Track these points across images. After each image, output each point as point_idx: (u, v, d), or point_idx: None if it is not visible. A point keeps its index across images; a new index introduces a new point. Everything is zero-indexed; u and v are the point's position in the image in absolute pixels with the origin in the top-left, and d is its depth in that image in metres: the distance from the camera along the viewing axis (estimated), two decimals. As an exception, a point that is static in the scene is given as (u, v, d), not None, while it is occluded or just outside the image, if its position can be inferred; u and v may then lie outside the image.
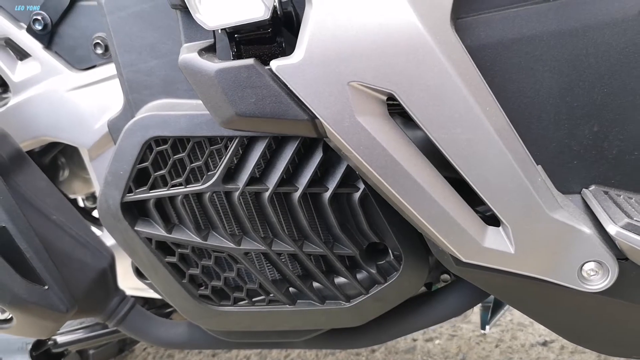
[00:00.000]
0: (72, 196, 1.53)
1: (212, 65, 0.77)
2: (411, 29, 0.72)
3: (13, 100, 1.17)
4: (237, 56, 0.79)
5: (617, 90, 0.80)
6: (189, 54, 0.77)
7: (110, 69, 1.11)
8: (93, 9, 1.10)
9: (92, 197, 1.58)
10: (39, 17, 1.10)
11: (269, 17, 0.73)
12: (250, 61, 0.76)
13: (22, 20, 1.13)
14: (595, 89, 0.80)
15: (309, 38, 0.73)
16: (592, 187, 0.85)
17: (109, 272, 1.16)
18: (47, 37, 1.11)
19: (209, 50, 0.80)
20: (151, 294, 1.34)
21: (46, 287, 1.01)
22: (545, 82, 0.81)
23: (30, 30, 1.11)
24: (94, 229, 1.30)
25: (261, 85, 0.76)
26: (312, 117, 0.77)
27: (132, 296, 1.26)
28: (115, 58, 0.95)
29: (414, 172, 0.79)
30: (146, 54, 0.94)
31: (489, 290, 0.93)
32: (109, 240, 1.26)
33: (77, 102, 1.14)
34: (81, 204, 1.63)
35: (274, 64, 0.75)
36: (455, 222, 0.81)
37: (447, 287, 1.13)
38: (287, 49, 0.80)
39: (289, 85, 0.75)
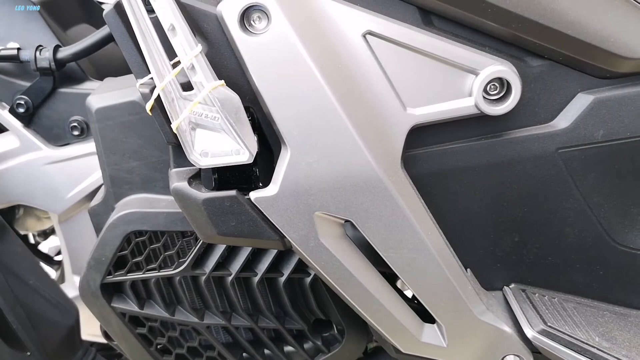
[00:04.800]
0: (23, 232, 1.57)
1: (199, 194, 0.85)
2: (368, 170, 0.82)
3: (-9, 170, 1.21)
4: (218, 183, 0.87)
5: (534, 210, 0.92)
6: (180, 183, 0.85)
7: (82, 147, 1.17)
8: (70, 96, 1.15)
9: (43, 234, 1.62)
10: (22, 102, 1.15)
11: (252, 160, 0.82)
12: (232, 192, 0.84)
13: (4, 101, 1.17)
14: (516, 208, 0.92)
15: (283, 176, 0.82)
16: (512, 285, 0.98)
17: (76, 327, 1.22)
18: (28, 117, 1.16)
19: (196, 177, 0.88)
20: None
21: (28, 353, 1.07)
22: (475, 202, 0.92)
23: (12, 111, 1.15)
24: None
25: (241, 212, 0.85)
26: (283, 237, 0.86)
27: (91, 343, 1.33)
28: (101, 157, 1.01)
29: (365, 282, 0.89)
30: (129, 156, 1.00)
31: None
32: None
33: (52, 174, 1.19)
34: (32, 240, 1.68)
35: (253, 195, 0.84)
36: (398, 322, 0.91)
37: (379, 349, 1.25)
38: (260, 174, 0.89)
39: (264, 213, 0.84)
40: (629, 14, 0.81)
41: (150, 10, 0.77)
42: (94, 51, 1.12)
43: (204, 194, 0.84)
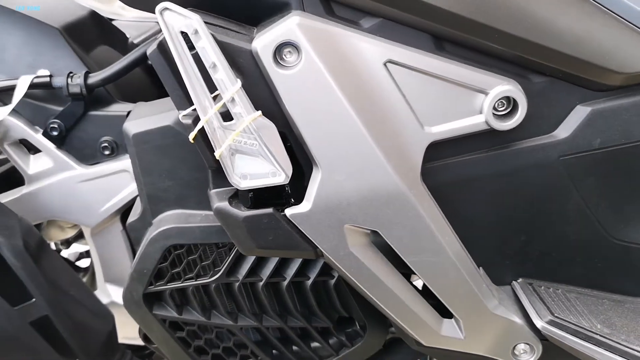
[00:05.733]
0: (47, 241, 1.64)
1: (240, 213, 0.92)
2: (392, 185, 0.89)
3: (27, 189, 1.27)
4: (254, 201, 0.95)
5: (538, 212, 1.00)
6: (221, 203, 0.93)
7: (113, 165, 1.23)
8: (100, 118, 1.21)
9: (65, 242, 1.69)
10: (55, 125, 1.21)
11: (287, 181, 0.89)
12: (269, 210, 0.92)
13: (37, 124, 1.23)
14: (523, 211, 1.00)
15: (315, 194, 0.90)
16: (520, 280, 1.06)
17: (113, 332, 1.29)
18: (61, 139, 1.22)
19: (234, 197, 0.95)
20: (140, 342, 1.48)
21: (77, 359, 1.15)
22: (486, 208, 1.00)
23: (45, 134, 1.22)
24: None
25: (277, 227, 0.92)
26: (315, 248, 0.94)
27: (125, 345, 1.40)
28: (138, 177, 1.08)
29: (389, 284, 0.97)
30: (164, 176, 1.07)
31: (443, 360, 1.14)
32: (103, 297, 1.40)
33: (85, 191, 1.25)
34: (53, 247, 1.74)
35: (288, 212, 0.91)
36: (420, 318, 0.99)
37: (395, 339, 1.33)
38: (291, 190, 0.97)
39: (299, 227, 0.92)
40: (620, 34, 0.89)
41: (190, 47, 0.84)
42: (121, 76, 1.18)
43: (244, 212, 0.91)
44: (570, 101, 0.95)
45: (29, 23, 1.25)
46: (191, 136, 0.88)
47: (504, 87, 0.88)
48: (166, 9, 0.82)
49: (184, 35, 0.83)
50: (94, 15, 1.42)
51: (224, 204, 0.91)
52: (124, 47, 1.50)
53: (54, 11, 1.33)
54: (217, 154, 0.87)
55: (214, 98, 0.86)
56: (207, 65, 0.83)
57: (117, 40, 1.48)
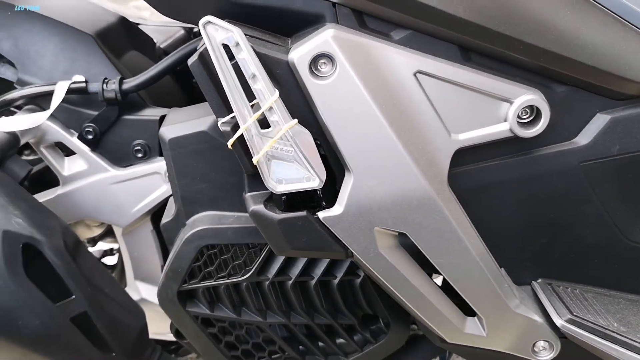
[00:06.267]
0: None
1: (275, 215, 0.96)
2: (420, 190, 0.93)
3: (62, 189, 1.31)
4: (287, 204, 0.99)
5: (559, 215, 1.03)
6: (257, 206, 0.96)
7: (145, 168, 1.26)
8: (133, 122, 1.25)
9: (92, 240, 1.73)
10: (90, 129, 1.25)
11: (321, 186, 0.93)
12: (303, 213, 0.96)
13: (72, 128, 1.27)
14: (544, 214, 1.03)
15: (347, 198, 0.94)
16: (540, 280, 1.10)
17: (145, 327, 1.34)
18: (95, 142, 1.27)
19: (268, 200, 0.99)
20: (168, 337, 1.52)
21: (114, 354, 1.19)
22: (509, 211, 1.03)
23: (80, 137, 1.26)
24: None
25: (311, 229, 0.96)
26: (346, 249, 0.98)
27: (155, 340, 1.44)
28: (173, 180, 1.12)
29: (416, 284, 1.00)
30: (198, 179, 1.11)
31: (466, 356, 1.18)
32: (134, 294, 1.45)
33: (117, 193, 1.29)
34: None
35: (321, 214, 0.95)
36: (445, 316, 1.03)
37: (417, 336, 1.38)
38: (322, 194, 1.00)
39: (331, 229, 0.96)
40: (639, 45, 0.93)
41: (230, 57, 0.88)
42: (154, 82, 1.22)
43: (279, 215, 0.95)
44: (591, 109, 0.98)
45: (65, 30, 1.29)
46: (230, 143, 0.91)
47: (528, 96, 0.92)
48: (209, 22, 0.85)
49: (225, 46, 0.86)
50: (123, 21, 1.46)
51: (260, 207, 0.95)
52: (152, 52, 1.54)
53: (86, 17, 1.37)
54: (254, 160, 0.90)
55: (252, 106, 0.89)
56: (247, 75, 0.87)
57: (145, 45, 1.52)
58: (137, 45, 1.46)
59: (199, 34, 1.50)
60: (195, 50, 0.97)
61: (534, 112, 0.93)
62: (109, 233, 1.69)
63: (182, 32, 1.69)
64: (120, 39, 1.39)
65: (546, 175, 1.00)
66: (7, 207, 1.07)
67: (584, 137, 0.98)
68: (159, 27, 1.71)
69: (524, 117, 0.94)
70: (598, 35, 0.91)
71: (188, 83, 1.44)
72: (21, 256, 1.05)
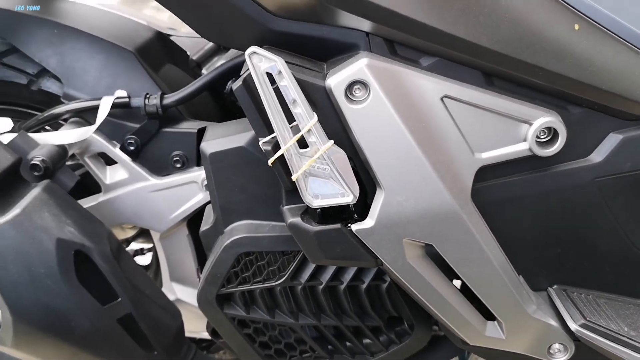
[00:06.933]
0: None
1: (311, 227, 1.03)
2: (446, 205, 1.00)
3: (104, 196, 1.39)
4: (322, 216, 1.06)
5: (574, 227, 1.10)
6: (294, 219, 1.04)
7: (182, 177, 1.33)
8: (172, 134, 1.32)
9: (125, 241, 1.82)
10: (132, 141, 1.32)
11: (355, 201, 1.01)
12: (337, 226, 1.03)
13: (115, 139, 1.35)
14: (559, 226, 1.10)
15: (378, 212, 1.01)
16: (555, 287, 1.17)
17: (181, 326, 1.42)
18: (136, 153, 1.35)
19: (304, 213, 1.07)
20: (200, 335, 1.61)
21: (155, 352, 1.27)
22: (527, 223, 1.10)
23: (122, 148, 1.34)
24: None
25: (344, 240, 1.04)
26: (376, 259, 1.06)
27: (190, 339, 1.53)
28: (212, 191, 1.19)
29: (440, 290, 1.07)
30: (237, 191, 1.19)
31: (485, 357, 1.25)
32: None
33: (156, 200, 1.37)
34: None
35: (354, 227, 1.02)
36: (467, 320, 1.10)
37: (438, 337, 1.45)
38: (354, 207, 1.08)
39: (363, 241, 1.03)
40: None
41: (272, 82, 0.95)
42: (193, 98, 1.29)
43: (314, 227, 1.03)
44: (604, 129, 1.04)
45: (107, 47, 1.36)
46: (270, 161, 0.99)
47: (546, 118, 0.99)
48: (254, 53, 0.93)
49: (268, 74, 0.94)
50: (159, 36, 1.53)
51: (297, 220, 1.03)
52: (186, 64, 1.61)
53: (126, 33, 1.45)
54: (294, 177, 0.98)
55: (291, 128, 0.96)
56: (287, 101, 0.94)
57: (180, 58, 1.60)
58: (172, 59, 1.53)
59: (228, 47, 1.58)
60: (231, 69, 1.05)
61: (552, 133, 1.00)
62: (140, 234, 1.78)
63: (212, 43, 1.76)
64: (157, 53, 1.47)
65: (562, 190, 1.06)
66: (60, 216, 1.15)
67: (598, 155, 1.05)
68: (189, 38, 1.78)
69: (542, 137, 1.00)
70: (611, 62, 0.98)
71: (220, 95, 1.51)
72: (73, 262, 1.13)
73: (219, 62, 1.66)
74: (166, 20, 1.96)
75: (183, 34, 1.80)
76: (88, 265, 1.17)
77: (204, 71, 1.65)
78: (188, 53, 1.67)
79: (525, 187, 1.07)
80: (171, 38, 1.70)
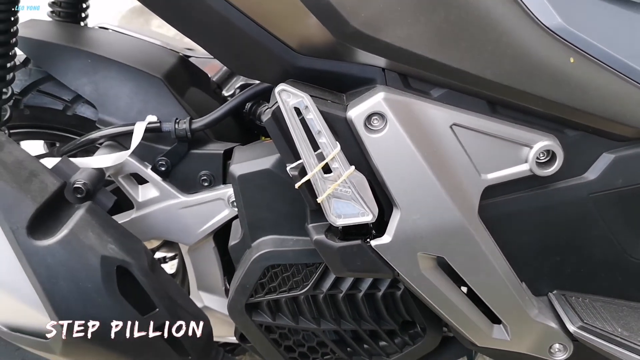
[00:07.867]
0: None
1: (335, 244, 1.13)
2: (456, 221, 1.10)
3: (136, 213, 1.49)
4: (343, 233, 1.17)
5: (571, 238, 1.19)
6: (319, 236, 1.14)
7: (209, 194, 1.41)
8: (200, 155, 1.40)
9: (151, 251, 1.91)
10: (163, 162, 1.42)
11: (374, 220, 1.12)
12: (358, 242, 1.13)
13: (146, 160, 1.46)
14: (558, 238, 1.20)
15: (395, 229, 1.12)
16: (555, 292, 1.27)
17: (211, 332, 1.52)
18: (166, 173, 1.45)
19: (328, 230, 1.18)
20: (226, 340, 1.71)
21: (189, 357, 1.38)
22: (528, 236, 1.20)
23: (154, 169, 1.44)
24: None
25: (364, 254, 1.14)
26: (393, 271, 1.17)
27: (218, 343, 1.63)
28: (241, 209, 1.29)
29: (451, 297, 1.18)
30: (263, 208, 1.29)
31: (491, 356, 1.36)
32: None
33: (185, 216, 1.46)
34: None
35: (373, 243, 1.12)
36: (475, 324, 1.21)
37: (447, 338, 1.56)
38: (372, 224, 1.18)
39: (381, 255, 1.14)
40: (637, 97, 1.10)
41: (297, 113, 1.06)
42: (220, 122, 1.39)
43: (337, 244, 1.13)
44: (598, 150, 1.14)
45: (137, 75, 1.46)
46: (297, 185, 1.09)
47: (545, 142, 1.09)
48: (283, 90, 1.04)
49: (295, 108, 1.05)
50: (182, 60, 1.63)
51: (322, 237, 1.14)
52: (208, 86, 1.71)
53: (153, 60, 1.55)
54: (319, 200, 1.09)
55: (317, 156, 1.07)
56: (313, 132, 1.05)
57: (202, 80, 1.69)
58: (196, 82, 1.63)
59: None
60: (252, 96, 1.16)
61: (550, 154, 1.10)
62: (163, 244, 1.88)
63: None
64: (182, 77, 1.56)
65: (560, 205, 1.17)
66: (102, 235, 1.25)
67: (592, 173, 1.15)
68: (206, 59, 1.88)
69: (541, 158, 1.10)
70: (603, 90, 1.08)
71: (240, 115, 1.61)
72: (115, 277, 1.23)
73: (238, 82, 1.75)
74: (177, 37, 2.05)
75: (202, 55, 1.89)
76: (128, 279, 1.25)
77: (224, 92, 1.74)
78: (210, 75, 1.76)
79: (527, 203, 1.16)
80: (191, 60, 1.79)
